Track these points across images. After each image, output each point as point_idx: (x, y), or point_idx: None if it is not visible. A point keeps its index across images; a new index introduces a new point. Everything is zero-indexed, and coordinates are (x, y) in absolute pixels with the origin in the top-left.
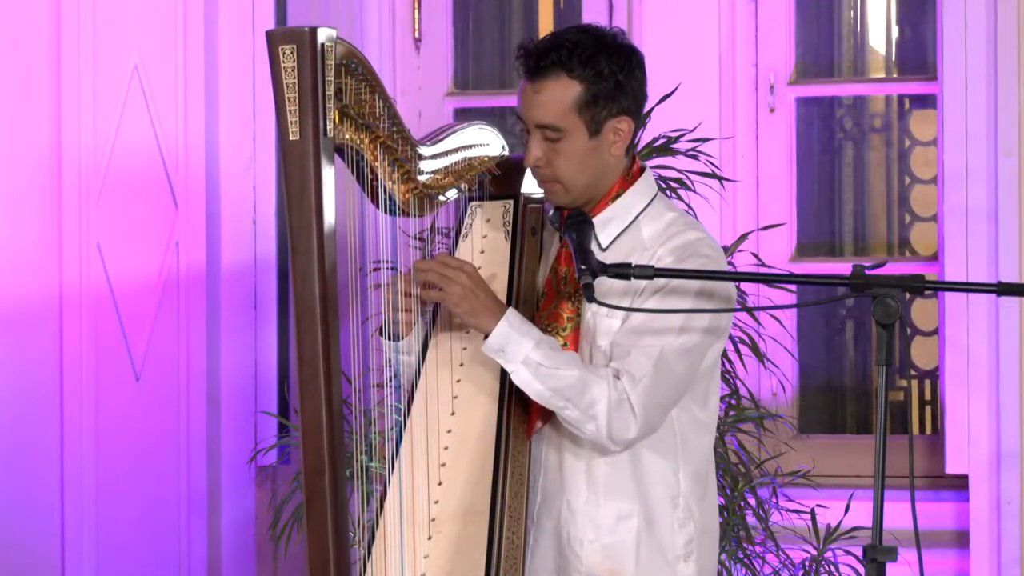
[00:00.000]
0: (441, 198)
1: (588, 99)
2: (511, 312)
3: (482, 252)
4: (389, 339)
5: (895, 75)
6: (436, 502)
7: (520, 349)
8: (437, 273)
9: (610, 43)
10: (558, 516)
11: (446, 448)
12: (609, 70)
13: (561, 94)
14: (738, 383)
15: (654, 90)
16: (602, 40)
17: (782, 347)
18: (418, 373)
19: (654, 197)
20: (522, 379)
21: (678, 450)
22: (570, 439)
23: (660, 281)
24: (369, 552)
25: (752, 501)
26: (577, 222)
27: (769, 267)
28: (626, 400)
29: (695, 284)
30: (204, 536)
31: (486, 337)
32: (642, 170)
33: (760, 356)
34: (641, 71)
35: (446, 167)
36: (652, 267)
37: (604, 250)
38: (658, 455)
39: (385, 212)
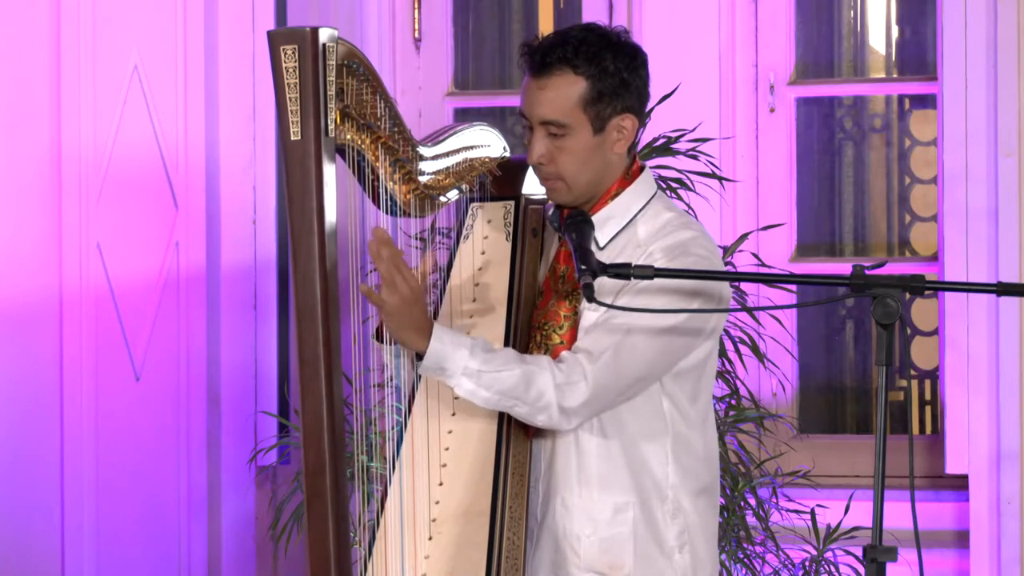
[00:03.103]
0: (442, 199)
1: (593, 95)
2: (438, 328)
3: (483, 253)
4: (386, 343)
5: (895, 75)
6: (437, 502)
7: (457, 363)
8: (387, 268)
9: (615, 41)
10: (554, 513)
11: (447, 448)
12: (614, 67)
13: (566, 90)
14: (738, 383)
15: (654, 90)
16: (607, 38)
17: (782, 347)
18: (418, 374)
19: (652, 196)
20: (466, 390)
21: (668, 444)
22: (561, 436)
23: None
24: (370, 552)
25: (752, 501)
26: (577, 222)
27: (769, 267)
28: (577, 380)
29: (674, 282)
30: (204, 536)
31: (419, 357)
32: (641, 169)
33: (760, 356)
34: (645, 70)
35: (447, 168)
36: (652, 267)
37: (601, 249)
38: (649, 447)
39: (386, 212)
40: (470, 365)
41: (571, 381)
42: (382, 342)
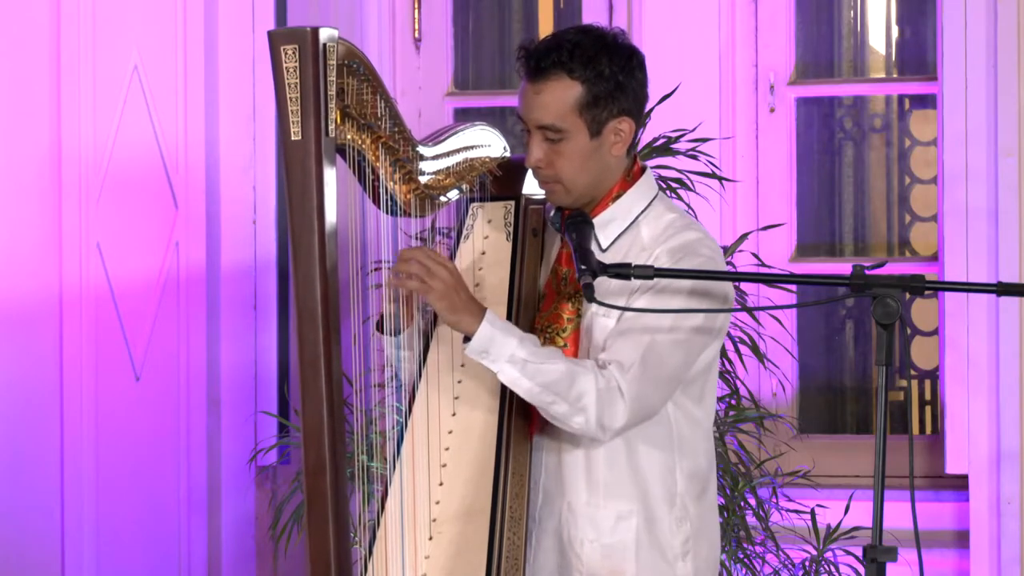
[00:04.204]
0: (442, 199)
1: (589, 100)
2: (491, 313)
3: (483, 253)
4: (388, 335)
5: (895, 75)
6: (437, 502)
7: (505, 348)
8: (420, 264)
9: (611, 43)
10: (559, 517)
11: (447, 448)
12: (610, 71)
13: (562, 95)
14: (738, 383)
15: (654, 90)
16: (603, 40)
17: (782, 347)
18: (419, 373)
19: (654, 198)
20: (509, 377)
21: (675, 449)
22: (569, 440)
23: (653, 279)
24: (370, 552)
25: (752, 501)
26: (577, 222)
27: (769, 267)
28: (615, 388)
29: (688, 283)
30: (204, 536)
31: (466, 339)
32: (642, 170)
33: (760, 356)
34: (642, 71)
35: (447, 168)
36: (652, 267)
37: (604, 251)
38: (655, 454)
39: (386, 212)
40: (517, 354)
41: (610, 387)
42: (383, 333)
